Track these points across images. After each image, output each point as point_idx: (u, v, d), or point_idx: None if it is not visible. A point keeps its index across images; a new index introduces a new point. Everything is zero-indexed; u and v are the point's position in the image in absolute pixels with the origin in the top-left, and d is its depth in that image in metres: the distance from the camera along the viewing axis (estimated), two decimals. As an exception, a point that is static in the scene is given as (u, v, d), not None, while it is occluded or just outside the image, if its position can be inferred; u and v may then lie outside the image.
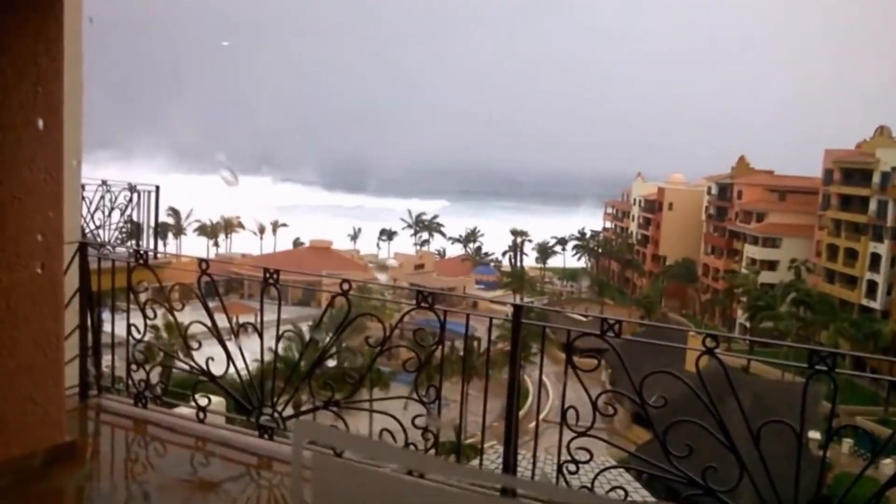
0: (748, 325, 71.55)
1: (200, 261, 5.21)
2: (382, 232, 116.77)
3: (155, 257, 6.90)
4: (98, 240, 8.94)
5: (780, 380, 45.64)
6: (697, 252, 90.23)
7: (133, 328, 5.54)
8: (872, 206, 67.74)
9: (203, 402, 5.36)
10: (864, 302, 66.68)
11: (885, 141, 71.81)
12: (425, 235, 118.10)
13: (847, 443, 43.26)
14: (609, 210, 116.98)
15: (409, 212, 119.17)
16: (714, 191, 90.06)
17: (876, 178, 67.64)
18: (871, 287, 66.61)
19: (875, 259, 66.62)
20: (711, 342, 3.94)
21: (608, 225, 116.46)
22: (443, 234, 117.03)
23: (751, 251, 79.84)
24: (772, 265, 77.00)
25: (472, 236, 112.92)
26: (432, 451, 4.70)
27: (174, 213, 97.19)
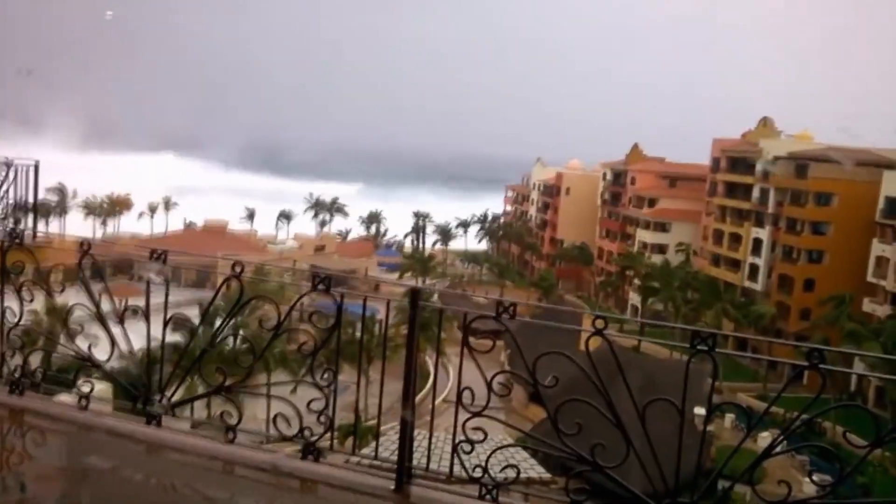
0: (639, 306, 74.41)
1: (82, 241, 4.94)
2: (281, 214, 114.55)
3: (34, 237, 6.51)
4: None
5: (668, 358, 47.75)
6: (593, 236, 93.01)
7: (8, 311, 5.21)
8: (755, 193, 71.47)
9: (86, 388, 5.10)
10: (747, 284, 70.42)
11: (768, 132, 75.85)
12: (327, 217, 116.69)
13: (729, 417, 45.72)
14: (510, 194, 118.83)
15: (311, 194, 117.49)
16: (609, 177, 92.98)
17: (759, 167, 71.33)
18: (753, 270, 70.42)
19: (757, 244, 70.40)
20: (601, 323, 4.03)
21: (509, 209, 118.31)
22: (344, 215, 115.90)
23: (642, 235, 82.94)
24: (661, 248, 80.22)
25: (374, 218, 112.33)
26: (328, 436, 4.65)
27: (59, 191, 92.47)
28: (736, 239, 73.01)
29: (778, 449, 4.16)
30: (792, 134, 75.05)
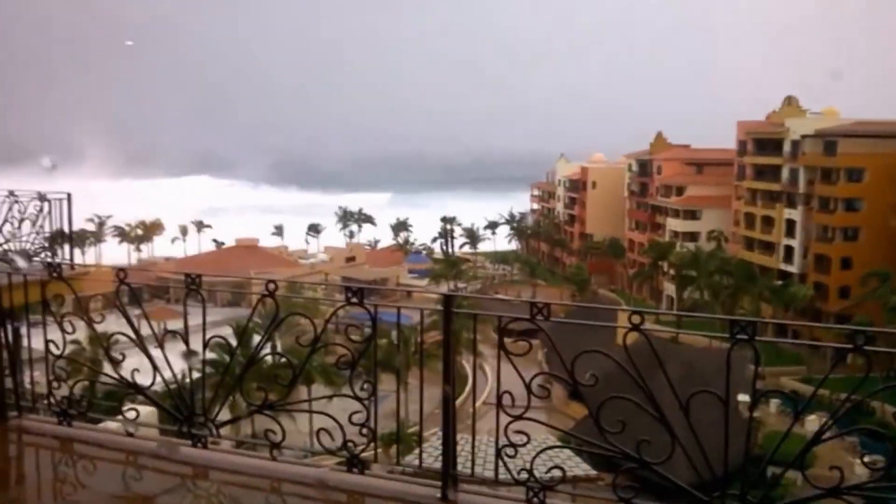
0: (674, 296, 73.66)
1: (118, 270, 5.02)
2: (311, 227, 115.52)
3: (71, 268, 6.63)
4: (9, 254, 8.54)
5: (708, 347, 47.20)
6: (622, 228, 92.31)
7: (52, 343, 5.30)
8: (785, 174, 70.43)
9: (131, 415, 5.18)
10: (783, 266, 69.36)
11: (794, 111, 74.68)
12: (355, 228, 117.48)
13: (775, 402, 45.02)
14: (535, 192, 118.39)
15: (339, 207, 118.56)
16: (634, 167, 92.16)
17: (786, 147, 70.32)
18: (788, 252, 69.35)
19: (790, 225, 69.34)
20: (637, 318, 4.00)
21: (535, 206, 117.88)
22: (372, 224, 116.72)
23: (672, 224, 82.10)
24: (693, 236, 79.33)
25: (402, 225, 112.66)
26: (371, 447, 4.67)
27: (94, 221, 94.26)
28: (768, 221, 71.97)
29: (827, 433, 4.10)
30: (817, 111, 73.80)
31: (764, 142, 74.03)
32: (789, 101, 76.65)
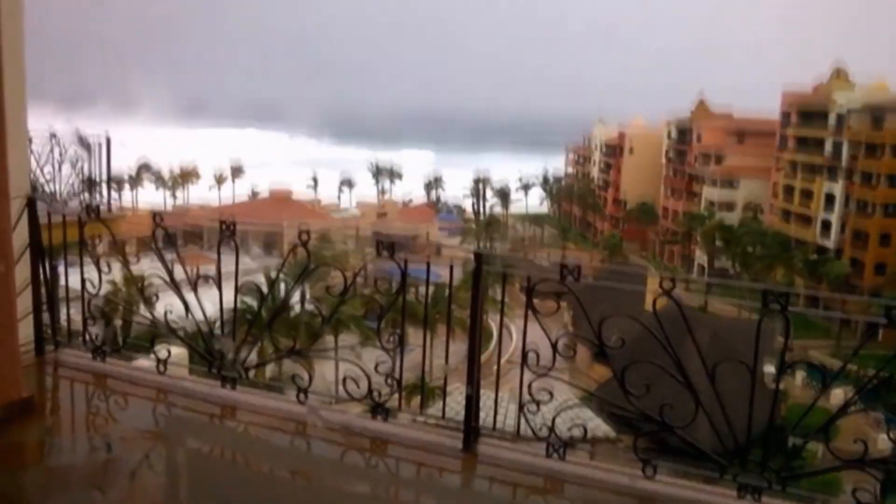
0: (706, 266, 72.96)
1: (154, 213, 5.11)
2: (344, 181, 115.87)
3: (109, 210, 6.76)
4: (49, 193, 8.72)
5: (737, 317, 46.82)
6: (657, 195, 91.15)
7: (88, 282, 5.44)
8: (828, 147, 68.83)
9: (163, 353, 5.32)
10: (819, 241, 68.23)
11: (842, 83, 72.62)
12: (387, 184, 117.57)
13: (801, 375, 44.70)
14: (571, 155, 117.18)
15: (371, 162, 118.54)
16: (674, 134, 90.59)
17: (832, 120, 68.60)
18: (826, 226, 68.13)
19: (829, 199, 67.99)
20: (668, 284, 3.99)
21: (570, 170, 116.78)
22: (400, 179, 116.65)
23: (709, 193, 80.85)
24: (729, 206, 78.14)
25: (435, 182, 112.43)
26: (395, 396, 4.75)
27: (139, 166, 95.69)
28: (807, 195, 70.60)
29: (852, 407, 4.08)
30: (866, 84, 71.68)
31: (809, 113, 72.26)
32: (837, 73, 74.46)
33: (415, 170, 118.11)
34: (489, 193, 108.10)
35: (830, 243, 67.03)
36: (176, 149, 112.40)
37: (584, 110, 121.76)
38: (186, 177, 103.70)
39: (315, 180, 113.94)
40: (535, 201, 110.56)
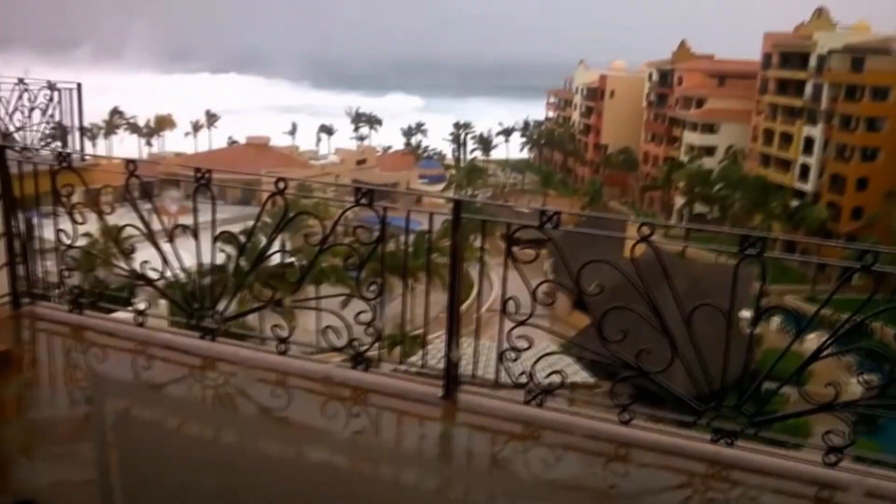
0: (685, 212, 73.38)
1: (128, 161, 5.01)
2: (322, 128, 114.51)
3: (82, 159, 6.62)
4: (19, 142, 8.51)
5: (714, 263, 47.34)
6: (638, 140, 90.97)
7: (62, 234, 5.35)
8: (808, 89, 68.79)
9: (142, 305, 5.28)
10: (797, 185, 68.68)
11: (823, 23, 72.27)
12: (367, 130, 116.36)
13: (776, 320, 45.47)
14: (552, 99, 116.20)
15: (350, 107, 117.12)
16: (655, 77, 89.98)
17: (812, 62, 68.41)
18: (804, 171, 68.52)
19: (809, 143, 68.24)
20: (646, 230, 3.99)
21: (551, 115, 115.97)
22: (379, 125, 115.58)
23: (689, 137, 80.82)
24: (709, 151, 78.21)
25: (416, 129, 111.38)
26: (376, 346, 4.76)
27: (110, 113, 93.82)
28: (787, 138, 70.79)
29: (826, 352, 4.15)
30: (848, 25, 71.35)
31: (790, 55, 71.92)
32: (819, 13, 74.05)
33: (397, 116, 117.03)
34: (471, 140, 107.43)
35: (808, 187, 67.50)
36: (154, 96, 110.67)
37: (568, 56, 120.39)
38: (162, 124, 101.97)
39: (294, 126, 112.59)
40: (517, 148, 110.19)
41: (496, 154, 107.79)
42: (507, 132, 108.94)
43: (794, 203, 65.76)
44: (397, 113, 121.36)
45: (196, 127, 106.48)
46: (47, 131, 8.52)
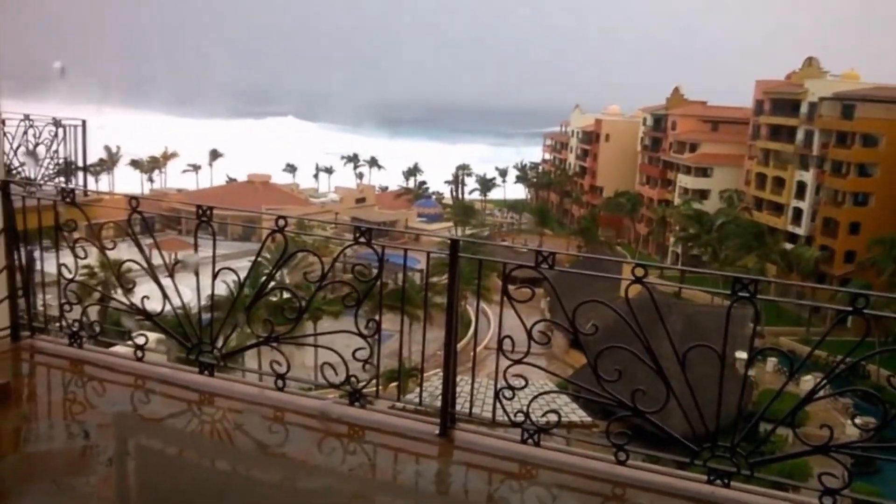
0: (679, 252, 73.62)
1: (130, 198, 5.08)
2: (322, 167, 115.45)
3: (85, 195, 6.70)
4: (24, 177, 8.60)
5: (710, 304, 47.42)
6: (633, 183, 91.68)
7: (64, 268, 5.40)
8: (799, 135, 69.58)
9: (140, 340, 5.30)
10: (790, 228, 69.09)
11: (814, 72, 73.39)
12: (366, 170, 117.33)
13: (772, 362, 45.41)
14: (549, 142, 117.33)
15: (354, 154, 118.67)
16: (649, 122, 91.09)
17: (804, 109, 69.29)
18: (797, 214, 68.99)
19: (801, 187, 68.82)
20: (640, 271, 4.05)
21: (547, 156, 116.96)
22: (379, 168, 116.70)
23: (684, 181, 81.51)
24: (703, 194, 78.82)
25: (414, 170, 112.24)
26: (373, 383, 4.79)
27: (107, 149, 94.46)
28: (779, 183, 71.39)
29: (821, 392, 4.18)
30: (838, 74, 72.47)
31: (781, 102, 72.92)
32: (810, 62, 75.29)
33: (395, 156, 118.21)
34: (469, 180, 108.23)
35: (801, 230, 67.89)
36: (159, 136, 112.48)
37: (563, 102, 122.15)
38: (163, 161, 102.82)
39: (291, 166, 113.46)
40: (515, 188, 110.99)
41: (494, 195, 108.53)
42: (503, 173, 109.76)
43: (788, 245, 66.07)
44: (393, 153, 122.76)
45: (195, 166, 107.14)
46: (51, 167, 8.62)
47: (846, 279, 57.58)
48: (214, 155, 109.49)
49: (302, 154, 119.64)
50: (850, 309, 3.76)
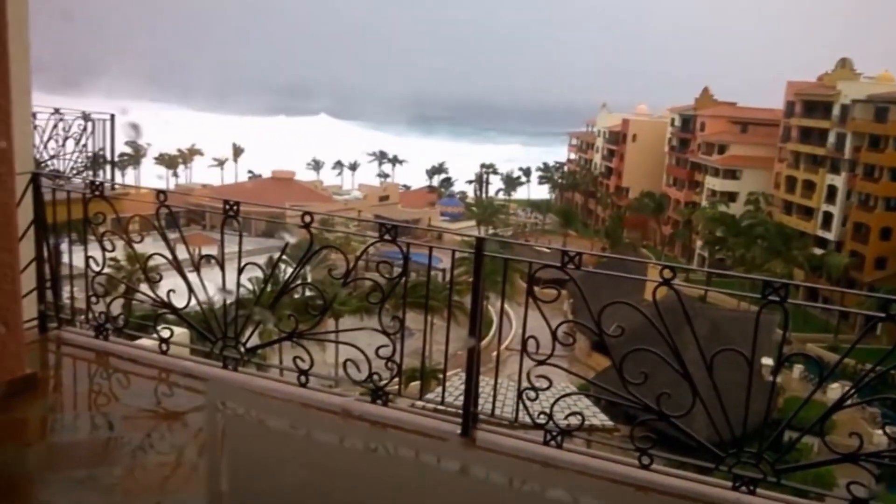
0: (706, 255, 72.91)
1: (158, 192, 5.11)
2: (347, 164, 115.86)
3: (112, 188, 6.75)
4: (52, 170, 8.71)
5: (736, 308, 46.89)
6: (660, 184, 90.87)
7: (91, 260, 5.45)
8: (831, 138, 68.57)
9: (165, 333, 5.34)
10: (820, 233, 68.15)
11: (847, 73, 72.26)
12: (390, 168, 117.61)
13: (798, 368, 44.82)
14: (574, 142, 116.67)
15: (378, 151, 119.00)
16: (677, 122, 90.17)
17: (836, 111, 68.29)
18: (827, 218, 68.02)
19: (832, 191, 67.84)
20: (668, 273, 4.00)
21: (573, 156, 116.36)
22: (400, 164, 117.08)
23: (711, 183, 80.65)
24: (731, 196, 77.95)
25: (439, 169, 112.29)
26: (395, 381, 4.78)
27: (132, 144, 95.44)
28: (809, 186, 70.44)
29: (849, 401, 4.10)
30: (872, 76, 71.31)
31: (813, 104, 71.88)
32: (843, 63, 74.09)
33: (423, 154, 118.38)
34: (494, 179, 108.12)
35: (831, 235, 66.95)
36: (192, 132, 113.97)
37: (590, 101, 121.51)
38: (189, 155, 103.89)
39: (317, 162, 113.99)
40: (540, 189, 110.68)
41: (519, 194, 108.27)
42: (527, 173, 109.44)
43: (818, 251, 65.18)
44: (417, 151, 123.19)
45: (220, 161, 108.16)
46: (79, 161, 8.71)
47: (876, 286, 56.67)
48: (237, 151, 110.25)
49: (330, 151, 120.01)
50: (884, 315, 3.68)
